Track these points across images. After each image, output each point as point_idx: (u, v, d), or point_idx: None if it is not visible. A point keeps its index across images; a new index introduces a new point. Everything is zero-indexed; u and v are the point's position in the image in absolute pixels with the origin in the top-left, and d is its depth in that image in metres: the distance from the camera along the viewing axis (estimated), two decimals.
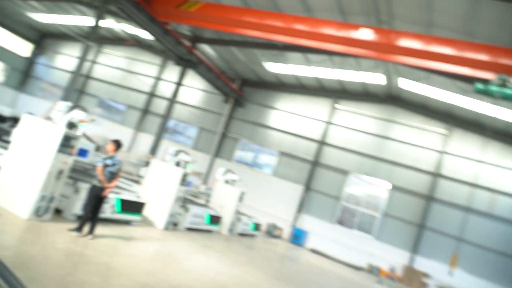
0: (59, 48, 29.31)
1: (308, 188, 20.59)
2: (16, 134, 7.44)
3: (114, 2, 13.79)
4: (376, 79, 18.29)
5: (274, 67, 20.68)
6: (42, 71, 29.39)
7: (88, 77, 27.59)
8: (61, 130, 7.13)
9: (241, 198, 14.76)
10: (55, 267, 5.22)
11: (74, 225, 7.57)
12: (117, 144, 7.66)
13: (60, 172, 7.24)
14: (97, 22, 14.25)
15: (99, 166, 7.33)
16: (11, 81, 28.56)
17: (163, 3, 15.18)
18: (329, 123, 21.08)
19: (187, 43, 18.48)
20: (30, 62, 29.51)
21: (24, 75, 29.35)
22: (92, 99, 27.19)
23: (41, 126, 7.35)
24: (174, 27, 18.43)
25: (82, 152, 12.56)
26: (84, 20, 23.00)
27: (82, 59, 13.98)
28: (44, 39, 29.93)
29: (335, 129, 20.97)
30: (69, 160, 7.39)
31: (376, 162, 19.73)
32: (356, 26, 12.12)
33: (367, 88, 19.85)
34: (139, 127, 25.35)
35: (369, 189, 20.08)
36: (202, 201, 15.88)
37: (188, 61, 18.69)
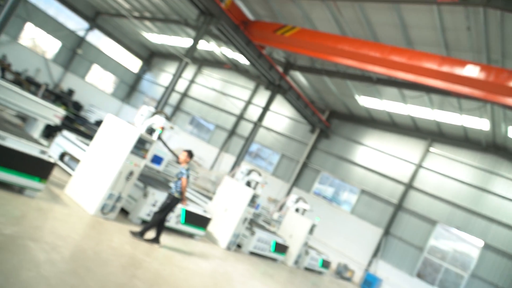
0: (164, 66, 31.73)
1: (387, 232, 18.89)
2: (99, 133, 7.80)
3: (214, 23, 14.38)
4: (479, 123, 16.34)
5: (367, 101, 19.77)
6: (146, 86, 31.99)
7: (185, 95, 29.30)
8: (137, 132, 7.29)
9: (311, 230, 13.94)
10: (101, 264, 5.13)
11: (138, 228, 7.62)
12: (191, 155, 7.64)
13: (131, 173, 7.37)
14: (196, 40, 14.95)
15: (185, 178, 7.32)
16: (118, 93, 31.54)
17: (261, 28, 15.49)
18: (419, 166, 19.31)
19: (279, 69, 18.60)
20: (137, 77, 32.37)
21: (130, 88, 32.23)
22: (185, 116, 28.70)
23: (120, 127, 7.62)
24: (269, 53, 18.72)
25: (157, 159, 12.91)
26: (190, 42, 24.61)
27: (177, 75, 14.68)
28: (153, 57, 32.73)
29: (425, 173, 19.13)
30: (141, 163, 7.51)
31: (469, 216, 17.39)
32: (462, 62, 10.93)
33: (468, 133, 17.84)
34: (224, 147, 25.94)
35: (457, 244, 17.73)
36: (273, 229, 15.33)
37: (278, 87, 18.73)
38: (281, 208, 15.65)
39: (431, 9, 11.31)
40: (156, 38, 28.25)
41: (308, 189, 22.28)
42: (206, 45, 24.76)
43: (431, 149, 19.34)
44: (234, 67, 26.91)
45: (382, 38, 13.72)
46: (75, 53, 27.73)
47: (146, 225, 7.22)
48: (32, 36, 25.37)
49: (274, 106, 23.99)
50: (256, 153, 25.80)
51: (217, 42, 23.04)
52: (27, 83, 15.00)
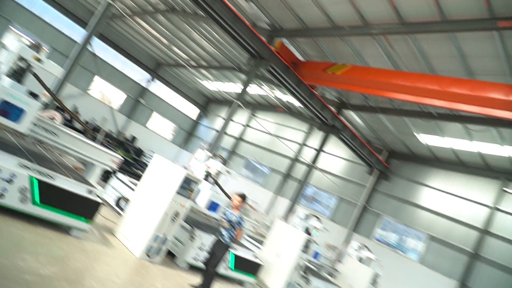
0: (220, 112, 32.63)
1: (463, 285, 16.83)
2: (146, 174, 7.83)
3: (265, 65, 14.54)
4: None
5: (428, 139, 18.57)
6: (203, 132, 32.93)
7: (239, 139, 29.67)
8: (183, 172, 7.19)
9: (374, 281, 12.77)
10: None
11: (194, 278, 7.31)
12: (244, 199, 7.07)
13: (176, 214, 7.20)
14: (247, 83, 15.19)
15: (241, 229, 6.86)
16: (177, 139, 32.76)
17: (311, 67, 15.43)
18: (495, 208, 17.38)
19: (332, 108, 18.22)
20: (195, 123, 33.54)
21: (188, 134, 33.36)
22: (240, 160, 28.87)
23: (166, 166, 7.59)
24: (321, 93, 18.51)
25: (213, 205, 12.54)
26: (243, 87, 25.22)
27: (229, 117, 14.87)
28: (209, 103, 33.91)
29: (503, 217, 17.11)
30: (187, 204, 7.34)
31: None
32: None
33: None
34: (279, 191, 25.47)
35: None
36: (336, 281, 14.17)
37: (332, 127, 18.28)
38: (341, 256, 14.62)
39: (491, 36, 10.51)
40: (211, 85, 29.38)
41: (369, 235, 20.87)
42: (259, 90, 25.18)
43: (507, 189, 17.43)
44: (287, 109, 26.97)
45: (440, 70, 12.96)
46: (138, 102, 29.53)
47: (206, 281, 6.60)
48: (100, 88, 27.52)
49: (329, 147, 23.37)
50: (312, 197, 25.00)
51: (269, 85, 23.34)
52: (91, 130, 15.95)
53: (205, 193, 9.28)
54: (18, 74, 5.94)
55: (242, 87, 15.44)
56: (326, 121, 17.90)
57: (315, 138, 25.08)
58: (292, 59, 15.36)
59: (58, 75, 7.03)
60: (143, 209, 7.37)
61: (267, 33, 15.54)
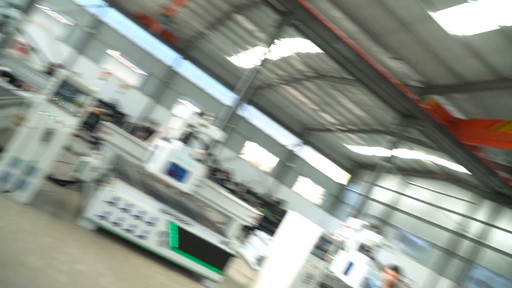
0: (368, 177, 31.09)
1: None
2: (281, 231, 7.70)
3: (416, 124, 13.52)
4: None
5: None
6: (352, 198, 31.67)
7: (391, 207, 27.47)
8: (318, 230, 6.79)
9: None
10: None
11: None
12: (399, 275, 5.94)
13: (309, 277, 6.72)
14: (395, 146, 14.30)
15: None
16: (324, 204, 32.25)
17: (471, 126, 13.67)
18: None
19: (503, 173, 15.49)
20: (342, 189, 32.69)
21: (336, 199, 32.55)
22: (393, 230, 26.47)
23: (301, 223, 7.31)
24: (487, 156, 16.04)
25: (367, 282, 11.16)
26: (393, 151, 23.76)
27: (374, 183, 14.02)
28: (358, 168, 32.81)
29: None
30: (320, 265, 6.81)
31: None
32: None
33: None
34: (438, 269, 22.10)
35: None
36: None
37: (504, 196, 15.45)
38: None
39: None
40: (360, 149, 28.61)
41: None
42: (412, 154, 23.32)
43: None
44: (445, 175, 24.10)
45: None
46: (286, 165, 30.60)
47: None
48: (252, 152, 29.68)
49: (505, 221, 19.49)
50: (484, 282, 20.84)
51: (423, 148, 21.44)
52: (238, 188, 17.06)
53: (359, 268, 8.51)
54: (185, 138, 6.70)
55: (391, 150, 14.53)
56: (495, 189, 15.25)
57: (485, 210, 21.45)
58: (448, 118, 13.89)
59: (219, 138, 7.75)
60: (276, 267, 7.13)
61: (418, 90, 14.64)
